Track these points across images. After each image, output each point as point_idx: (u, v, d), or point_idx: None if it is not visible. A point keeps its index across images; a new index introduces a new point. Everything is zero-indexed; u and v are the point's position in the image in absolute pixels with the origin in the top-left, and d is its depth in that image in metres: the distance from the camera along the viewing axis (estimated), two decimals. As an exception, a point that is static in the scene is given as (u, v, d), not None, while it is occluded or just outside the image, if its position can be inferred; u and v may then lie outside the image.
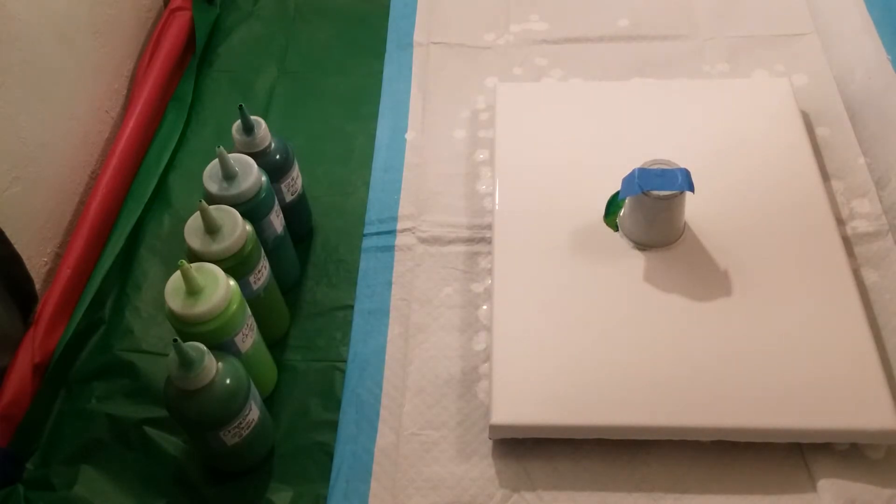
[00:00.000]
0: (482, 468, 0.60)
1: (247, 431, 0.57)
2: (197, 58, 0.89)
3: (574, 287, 0.64)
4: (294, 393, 0.65)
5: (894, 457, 0.58)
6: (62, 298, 0.69)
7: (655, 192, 0.62)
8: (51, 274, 0.73)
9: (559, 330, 0.62)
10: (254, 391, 0.57)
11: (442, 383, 0.64)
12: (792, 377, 0.58)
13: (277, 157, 0.66)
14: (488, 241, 0.71)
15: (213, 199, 0.60)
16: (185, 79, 0.88)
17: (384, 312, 0.69)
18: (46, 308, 0.68)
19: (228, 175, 0.60)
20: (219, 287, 0.54)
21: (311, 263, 0.73)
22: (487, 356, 0.65)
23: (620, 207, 0.67)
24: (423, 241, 0.73)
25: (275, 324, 0.67)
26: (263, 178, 0.62)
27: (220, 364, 0.53)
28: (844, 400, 0.57)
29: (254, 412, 0.57)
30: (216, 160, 0.60)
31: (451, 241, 0.72)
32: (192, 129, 0.85)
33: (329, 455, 0.62)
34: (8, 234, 0.65)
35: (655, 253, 0.65)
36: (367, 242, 0.73)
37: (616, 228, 0.68)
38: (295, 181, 0.69)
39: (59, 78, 0.75)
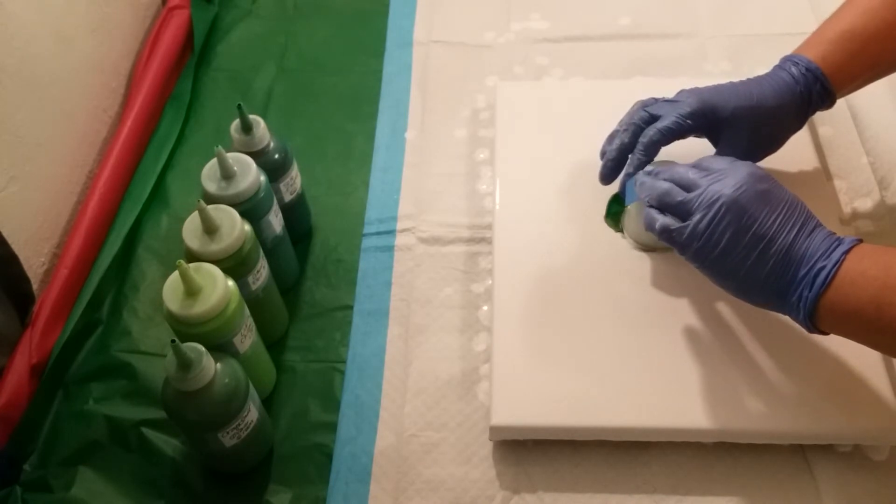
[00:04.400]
0: (482, 470, 0.60)
1: (245, 433, 0.56)
2: (195, 56, 0.88)
3: (575, 288, 0.64)
4: (293, 394, 0.65)
5: (897, 458, 0.58)
6: (59, 299, 0.69)
7: None
8: (48, 274, 0.73)
9: (560, 331, 0.62)
10: (252, 392, 0.57)
11: (442, 384, 0.64)
12: (794, 378, 0.58)
13: (276, 156, 0.65)
14: (488, 241, 0.71)
15: (211, 199, 0.59)
16: (184, 77, 0.87)
17: (384, 313, 0.68)
18: (44, 308, 0.68)
19: (227, 174, 0.59)
20: (217, 287, 0.53)
21: (311, 264, 0.73)
22: (488, 357, 0.64)
23: (621, 207, 0.67)
24: (423, 241, 0.72)
25: (273, 324, 0.67)
26: (262, 178, 0.61)
27: (218, 365, 0.53)
28: (847, 400, 0.57)
29: (252, 413, 0.57)
30: (214, 159, 0.59)
31: (451, 241, 0.72)
32: (191, 128, 0.84)
33: (328, 456, 0.61)
34: (5, 233, 0.65)
35: (657, 253, 0.65)
36: (366, 242, 0.73)
37: (617, 229, 0.67)
38: (294, 181, 0.69)
39: (56, 76, 0.75)
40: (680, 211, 0.54)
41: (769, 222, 0.51)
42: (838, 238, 0.51)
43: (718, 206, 0.52)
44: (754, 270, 0.51)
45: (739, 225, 0.51)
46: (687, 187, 0.55)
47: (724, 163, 0.55)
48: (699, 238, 0.52)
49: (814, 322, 0.51)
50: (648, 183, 0.57)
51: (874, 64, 0.61)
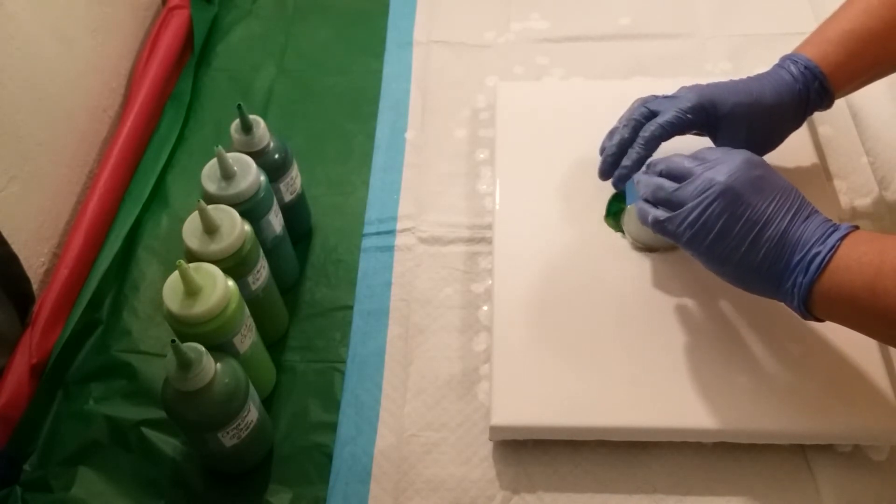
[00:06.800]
0: (482, 470, 0.60)
1: (245, 433, 0.56)
2: (195, 56, 0.88)
3: (575, 288, 0.64)
4: (293, 394, 0.65)
5: (897, 458, 0.58)
6: (59, 299, 0.69)
7: None
8: (48, 274, 0.73)
9: (560, 331, 0.62)
10: (252, 392, 0.57)
11: (442, 384, 0.64)
12: (794, 378, 0.58)
13: (276, 156, 0.65)
14: (488, 241, 0.71)
15: (211, 199, 0.59)
16: (184, 77, 0.87)
17: (384, 313, 0.68)
18: (44, 308, 0.68)
19: (227, 174, 0.59)
20: (217, 287, 0.53)
21: (311, 263, 0.73)
22: (488, 357, 0.64)
23: (621, 207, 0.67)
24: (423, 241, 0.72)
25: (273, 324, 0.67)
26: (262, 178, 0.61)
27: (218, 365, 0.53)
28: (847, 400, 0.57)
29: (252, 413, 0.57)
30: (214, 159, 0.59)
31: (451, 241, 0.72)
32: (191, 128, 0.84)
33: (328, 457, 0.61)
34: (5, 233, 0.65)
35: (657, 253, 0.65)
36: (366, 242, 0.73)
37: (617, 228, 0.67)
38: (294, 181, 0.69)
39: (56, 76, 0.75)
40: (673, 201, 0.55)
41: (763, 208, 0.51)
42: (834, 224, 0.51)
43: (712, 193, 0.52)
44: (748, 256, 0.52)
45: (733, 211, 0.51)
46: (682, 176, 0.55)
47: (718, 152, 0.55)
48: (693, 225, 0.53)
49: (808, 308, 0.51)
50: (644, 179, 0.58)
51: (874, 63, 0.61)
